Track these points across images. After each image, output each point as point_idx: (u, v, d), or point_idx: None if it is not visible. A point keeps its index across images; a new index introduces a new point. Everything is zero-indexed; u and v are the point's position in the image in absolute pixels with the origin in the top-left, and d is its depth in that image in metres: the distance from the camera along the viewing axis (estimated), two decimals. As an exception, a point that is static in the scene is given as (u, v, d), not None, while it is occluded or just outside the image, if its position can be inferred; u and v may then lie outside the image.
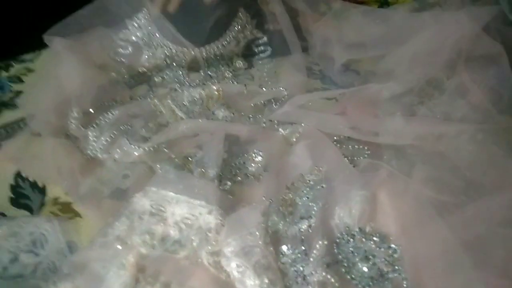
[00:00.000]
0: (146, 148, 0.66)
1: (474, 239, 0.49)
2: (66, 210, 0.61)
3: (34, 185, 0.64)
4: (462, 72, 0.68)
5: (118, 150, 0.67)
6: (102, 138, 0.68)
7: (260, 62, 0.85)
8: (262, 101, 0.77)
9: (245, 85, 0.79)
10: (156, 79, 0.81)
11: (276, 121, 0.73)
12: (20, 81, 0.80)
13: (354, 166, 0.64)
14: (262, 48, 0.85)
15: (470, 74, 0.69)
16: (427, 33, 0.73)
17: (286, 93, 0.78)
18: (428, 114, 0.67)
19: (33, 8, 0.91)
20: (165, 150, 0.68)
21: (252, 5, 0.85)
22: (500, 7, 0.73)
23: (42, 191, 0.64)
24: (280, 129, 0.72)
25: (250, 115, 0.75)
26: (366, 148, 0.67)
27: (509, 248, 0.50)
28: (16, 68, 0.83)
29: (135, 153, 0.66)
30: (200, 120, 0.73)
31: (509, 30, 0.71)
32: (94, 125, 0.70)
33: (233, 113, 0.75)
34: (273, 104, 0.77)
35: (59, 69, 0.75)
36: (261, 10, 0.85)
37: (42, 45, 0.86)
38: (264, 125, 0.73)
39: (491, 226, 0.50)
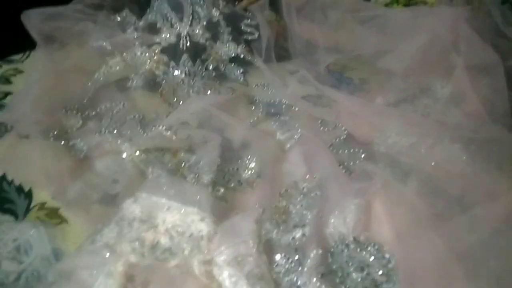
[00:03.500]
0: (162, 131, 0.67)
1: (467, 249, 0.49)
2: (53, 216, 0.59)
3: (19, 189, 0.62)
4: (462, 78, 0.69)
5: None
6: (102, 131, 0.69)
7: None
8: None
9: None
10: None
11: (274, 124, 0.73)
12: (8, 82, 0.79)
13: (349, 173, 0.64)
14: (250, 29, 0.84)
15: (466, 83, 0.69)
16: (421, 39, 0.74)
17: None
18: (423, 122, 0.67)
19: (22, 9, 0.89)
20: (158, 153, 0.67)
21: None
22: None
23: (28, 195, 0.61)
24: (278, 133, 0.72)
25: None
26: (361, 151, 0.67)
27: (501, 258, 0.50)
28: (4, 69, 0.81)
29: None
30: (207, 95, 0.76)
31: (501, 41, 0.72)
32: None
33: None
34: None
35: (47, 71, 0.74)
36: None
37: (31, 46, 0.84)
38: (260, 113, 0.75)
39: (483, 236, 0.50)
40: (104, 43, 0.77)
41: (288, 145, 0.70)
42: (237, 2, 0.86)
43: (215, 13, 0.80)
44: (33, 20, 0.78)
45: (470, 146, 0.63)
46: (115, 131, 0.69)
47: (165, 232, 0.53)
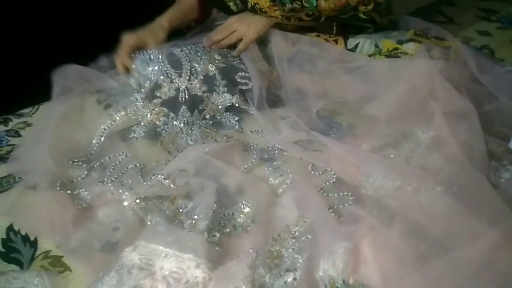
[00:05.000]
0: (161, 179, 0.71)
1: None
2: (57, 264, 0.62)
3: (25, 238, 0.65)
4: (441, 124, 0.73)
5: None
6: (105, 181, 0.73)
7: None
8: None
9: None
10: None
11: (268, 170, 0.77)
12: (18, 135, 0.84)
13: (339, 216, 0.67)
14: (244, 80, 0.89)
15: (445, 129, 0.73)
16: (401, 88, 0.79)
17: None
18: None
19: (31, 65, 0.96)
20: (157, 201, 0.70)
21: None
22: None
23: (33, 244, 0.65)
24: (271, 178, 0.76)
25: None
26: (350, 194, 0.71)
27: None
28: (14, 122, 0.87)
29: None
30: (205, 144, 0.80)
31: (476, 87, 0.77)
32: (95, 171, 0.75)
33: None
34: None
35: (54, 124, 0.79)
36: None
37: (40, 100, 0.90)
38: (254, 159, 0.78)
39: (463, 278, 0.52)
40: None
41: (281, 190, 0.74)
42: (229, 56, 0.93)
43: (211, 68, 0.86)
44: (67, 77, 0.84)
45: (452, 188, 0.66)
46: (117, 181, 0.73)
47: (162, 279, 0.55)
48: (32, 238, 0.65)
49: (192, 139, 0.83)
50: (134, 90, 0.87)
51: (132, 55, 0.88)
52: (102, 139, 0.79)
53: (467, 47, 0.94)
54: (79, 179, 0.74)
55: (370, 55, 0.91)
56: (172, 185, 0.72)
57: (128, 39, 0.87)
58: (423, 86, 0.75)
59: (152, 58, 0.86)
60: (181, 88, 0.84)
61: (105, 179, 0.73)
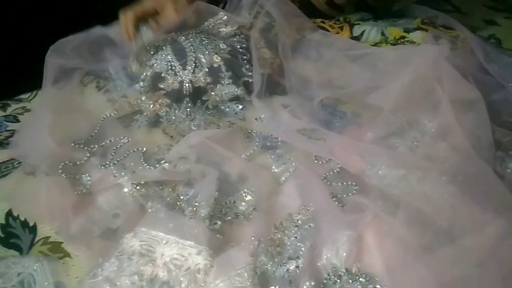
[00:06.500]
0: (165, 166, 0.71)
1: (452, 280, 0.51)
2: (56, 250, 0.61)
3: (25, 224, 0.64)
4: (447, 112, 0.72)
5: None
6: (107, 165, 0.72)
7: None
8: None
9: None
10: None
11: (270, 158, 0.76)
12: (17, 120, 0.83)
13: (342, 205, 0.66)
14: (250, 73, 0.87)
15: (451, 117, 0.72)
16: (407, 76, 0.78)
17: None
18: (411, 156, 0.69)
19: (30, 48, 0.95)
20: (157, 188, 0.69)
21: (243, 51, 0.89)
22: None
23: (32, 230, 0.64)
24: (273, 166, 0.75)
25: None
26: (354, 184, 0.70)
27: (484, 289, 0.52)
28: (13, 107, 0.86)
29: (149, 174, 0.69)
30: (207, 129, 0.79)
31: (483, 76, 0.76)
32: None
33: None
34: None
35: (53, 109, 0.78)
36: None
37: (39, 85, 0.89)
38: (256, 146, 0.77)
39: (468, 267, 0.51)
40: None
41: (283, 178, 0.73)
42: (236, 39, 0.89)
43: (217, 59, 0.84)
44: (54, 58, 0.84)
45: (457, 178, 0.65)
46: (119, 164, 0.72)
47: (163, 266, 0.55)
48: (31, 224, 0.64)
49: (194, 125, 0.82)
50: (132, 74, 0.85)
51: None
52: (102, 122, 0.78)
53: (475, 36, 0.92)
54: (82, 161, 0.73)
55: (376, 43, 0.89)
56: (174, 169, 0.71)
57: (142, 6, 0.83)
58: (430, 73, 0.74)
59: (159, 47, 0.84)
60: (185, 81, 0.83)
61: (107, 162, 0.72)
